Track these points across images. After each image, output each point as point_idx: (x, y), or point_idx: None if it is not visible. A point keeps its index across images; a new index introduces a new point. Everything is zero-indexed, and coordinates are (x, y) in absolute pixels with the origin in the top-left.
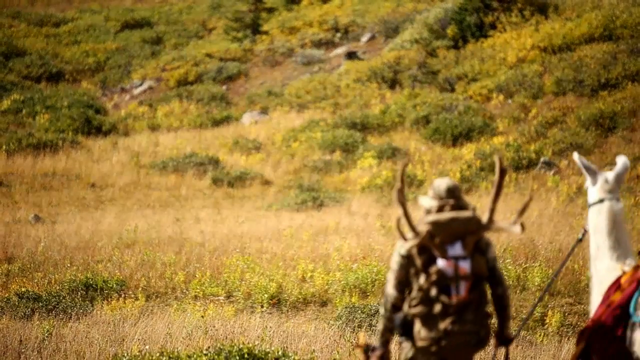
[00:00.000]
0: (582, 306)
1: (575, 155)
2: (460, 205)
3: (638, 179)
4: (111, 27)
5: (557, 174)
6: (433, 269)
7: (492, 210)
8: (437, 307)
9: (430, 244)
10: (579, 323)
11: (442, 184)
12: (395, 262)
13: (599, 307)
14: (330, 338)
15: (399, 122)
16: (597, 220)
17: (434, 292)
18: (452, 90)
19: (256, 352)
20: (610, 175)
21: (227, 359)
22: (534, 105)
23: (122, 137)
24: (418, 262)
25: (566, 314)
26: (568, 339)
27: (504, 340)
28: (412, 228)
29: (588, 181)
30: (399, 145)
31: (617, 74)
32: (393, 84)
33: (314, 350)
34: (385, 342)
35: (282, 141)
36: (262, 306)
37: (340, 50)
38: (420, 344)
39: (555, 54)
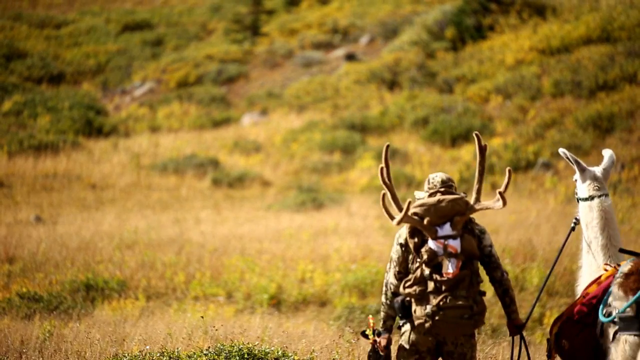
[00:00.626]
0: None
1: (561, 150)
2: (450, 192)
3: (635, 180)
4: (112, 29)
5: (555, 175)
6: (424, 249)
7: (479, 190)
8: (431, 285)
9: (420, 225)
10: None
11: (436, 176)
12: (394, 251)
13: (578, 299)
14: (329, 338)
15: (398, 123)
16: (588, 217)
17: (427, 271)
18: (451, 91)
19: (256, 352)
20: (598, 171)
21: (227, 359)
22: (532, 106)
23: (123, 139)
24: (411, 244)
25: None
26: None
27: (516, 327)
28: (397, 205)
29: (577, 175)
30: (398, 146)
31: (614, 76)
32: (392, 85)
33: (313, 350)
34: (389, 328)
35: (282, 142)
36: (262, 306)
37: (340, 52)
38: (416, 322)
39: (553, 55)
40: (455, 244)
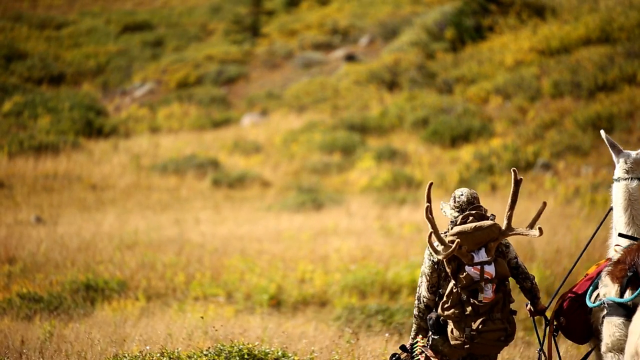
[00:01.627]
0: None
1: (603, 133)
2: (481, 215)
3: None
4: (112, 29)
5: (554, 175)
6: (462, 275)
7: (510, 217)
8: (469, 309)
9: (458, 254)
10: None
11: (462, 194)
12: (427, 266)
13: (580, 279)
14: (329, 339)
15: (397, 124)
16: (615, 196)
17: (464, 295)
18: (451, 92)
19: (256, 352)
20: (632, 154)
21: (227, 359)
22: (531, 107)
23: (123, 139)
24: (448, 269)
25: None
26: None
27: (538, 311)
28: (441, 241)
29: (614, 159)
30: (398, 146)
31: (614, 77)
32: (392, 86)
33: (313, 350)
34: (423, 342)
35: (282, 143)
36: (261, 307)
37: (340, 52)
38: (453, 342)
39: (552, 56)
40: (490, 270)
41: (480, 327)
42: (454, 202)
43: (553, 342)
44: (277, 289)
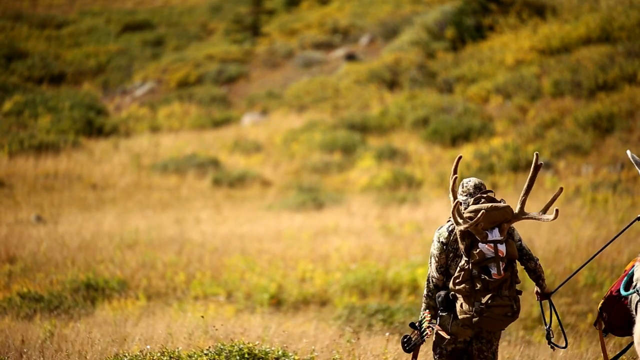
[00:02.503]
0: (580, 306)
1: (629, 152)
2: (492, 198)
3: (635, 180)
4: (112, 29)
5: (555, 175)
6: (475, 252)
7: (524, 202)
8: (479, 284)
9: (475, 230)
10: (577, 323)
11: (470, 181)
12: (435, 248)
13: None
14: (330, 338)
15: (398, 123)
16: None
17: (475, 271)
18: (451, 91)
19: (256, 352)
20: None
21: (227, 359)
22: (532, 106)
23: (123, 139)
24: (462, 245)
25: (564, 313)
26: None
27: (545, 294)
28: (461, 215)
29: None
30: (398, 146)
31: (614, 76)
32: (392, 85)
33: (314, 350)
34: (435, 317)
35: (282, 142)
36: (262, 306)
37: (340, 52)
38: (462, 316)
39: (553, 55)
40: (502, 248)
41: (489, 302)
42: (462, 187)
43: (602, 340)
44: (278, 289)
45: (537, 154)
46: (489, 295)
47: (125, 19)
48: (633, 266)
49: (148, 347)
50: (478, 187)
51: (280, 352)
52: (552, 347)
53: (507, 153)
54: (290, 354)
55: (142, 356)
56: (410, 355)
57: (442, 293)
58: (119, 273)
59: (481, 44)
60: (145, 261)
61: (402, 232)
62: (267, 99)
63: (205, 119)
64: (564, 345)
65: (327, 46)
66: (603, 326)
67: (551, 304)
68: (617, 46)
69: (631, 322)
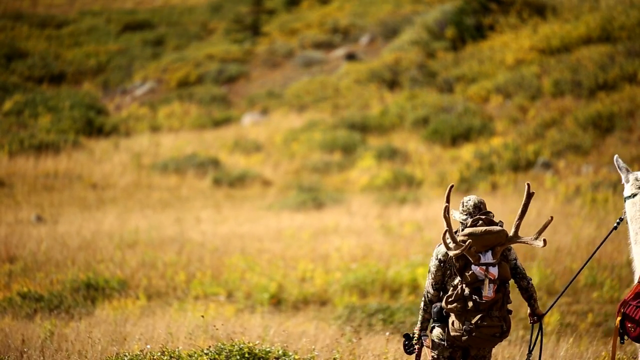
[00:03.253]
0: (580, 306)
1: (615, 157)
2: (490, 220)
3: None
4: (112, 28)
5: (555, 174)
6: (468, 273)
7: (518, 226)
8: (470, 304)
9: (467, 253)
10: (577, 322)
11: (469, 200)
12: (433, 265)
13: (637, 285)
14: (330, 337)
15: (398, 123)
16: (632, 211)
17: (467, 291)
18: (451, 91)
19: (257, 351)
20: (639, 174)
21: (227, 359)
22: (532, 106)
23: (124, 138)
24: (456, 266)
25: (564, 313)
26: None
27: (537, 316)
28: (454, 240)
29: (623, 179)
30: (398, 145)
31: (614, 76)
32: (392, 85)
33: (314, 349)
34: (425, 328)
35: (282, 142)
36: (262, 306)
37: (340, 51)
38: (453, 333)
39: (553, 55)
40: (494, 271)
41: (479, 322)
42: (462, 207)
43: (615, 346)
44: (278, 288)
45: (528, 184)
46: (479, 316)
47: (125, 18)
48: None
49: (148, 346)
50: (477, 207)
51: (280, 352)
52: None
53: (507, 153)
54: (290, 354)
55: (142, 356)
56: (412, 357)
57: (438, 305)
58: (119, 273)
59: (481, 43)
60: (146, 261)
61: (402, 231)
62: (267, 99)
63: (205, 119)
64: None
65: (327, 46)
66: (619, 338)
67: (540, 327)
68: (618, 46)
69: None
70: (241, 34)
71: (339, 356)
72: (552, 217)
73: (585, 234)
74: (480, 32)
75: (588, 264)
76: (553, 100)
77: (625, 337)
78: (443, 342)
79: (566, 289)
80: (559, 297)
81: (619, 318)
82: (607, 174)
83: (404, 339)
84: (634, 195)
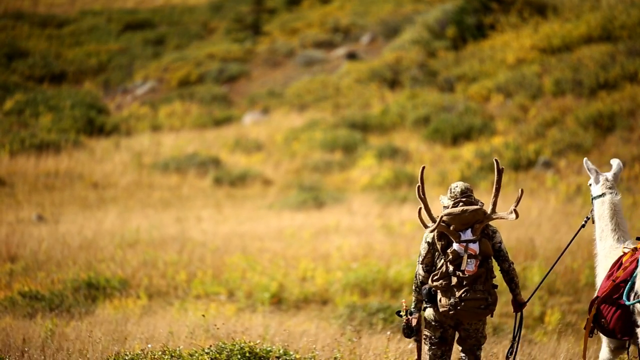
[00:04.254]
0: (581, 305)
1: (585, 160)
2: (470, 202)
3: (636, 179)
4: (113, 28)
5: (556, 173)
6: (449, 250)
7: (494, 204)
8: (454, 280)
9: (447, 231)
10: (578, 321)
11: (457, 186)
12: (423, 248)
13: (605, 281)
14: (331, 337)
15: (399, 122)
16: (601, 210)
17: (451, 268)
18: (452, 90)
19: (257, 350)
20: (609, 175)
21: (228, 358)
22: (533, 105)
23: (125, 138)
24: (438, 246)
25: (565, 312)
26: (567, 337)
27: (518, 304)
28: (431, 217)
29: (592, 179)
30: (399, 145)
31: (615, 75)
32: (393, 84)
33: (315, 348)
34: (419, 309)
35: (283, 141)
36: (263, 305)
37: (341, 51)
38: (441, 309)
39: (554, 54)
40: (474, 247)
41: (463, 295)
42: (450, 193)
43: (586, 341)
44: (279, 287)
45: (496, 160)
46: (463, 290)
47: (126, 18)
48: (632, 272)
49: (149, 346)
50: (464, 192)
51: (281, 351)
52: None
53: (508, 152)
54: (291, 353)
55: (143, 355)
56: (415, 350)
57: (427, 287)
58: (120, 272)
59: (482, 42)
60: (147, 260)
61: (403, 231)
62: (268, 98)
63: (206, 118)
64: None
65: (328, 45)
66: (595, 331)
67: (521, 316)
68: (618, 45)
69: (632, 324)
70: (242, 33)
71: (339, 355)
72: (522, 190)
73: (586, 233)
74: (481, 32)
75: (589, 263)
76: (554, 99)
77: (595, 332)
78: (434, 323)
79: (542, 282)
80: (537, 288)
81: (592, 313)
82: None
83: (403, 324)
84: (603, 194)
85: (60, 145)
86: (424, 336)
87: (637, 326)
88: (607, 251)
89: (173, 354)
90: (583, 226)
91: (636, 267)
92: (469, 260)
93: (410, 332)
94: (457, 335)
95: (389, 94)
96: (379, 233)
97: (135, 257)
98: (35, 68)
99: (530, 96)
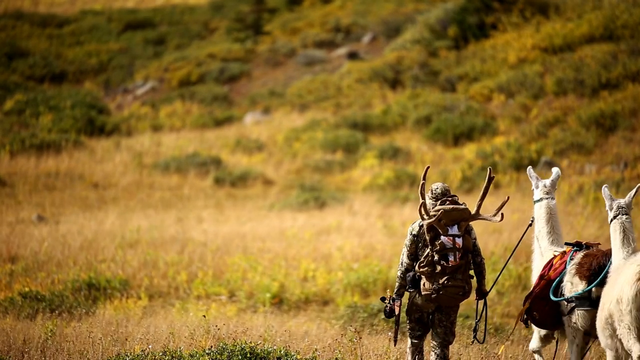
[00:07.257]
0: None
1: (528, 168)
2: (455, 202)
3: (638, 178)
4: (114, 27)
5: None
6: (437, 242)
7: (480, 205)
8: (438, 268)
9: (438, 225)
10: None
11: (437, 187)
12: (408, 240)
13: (538, 279)
14: (332, 337)
15: (400, 122)
16: (538, 213)
17: (436, 257)
18: (454, 90)
19: (258, 351)
20: (547, 181)
21: (229, 359)
22: (534, 105)
23: (125, 138)
24: (428, 236)
25: None
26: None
27: (482, 293)
28: (427, 213)
29: (533, 185)
30: (401, 145)
31: (617, 74)
32: (394, 84)
33: (316, 349)
34: (401, 294)
35: (284, 141)
36: (264, 305)
37: (342, 50)
38: (424, 293)
39: (556, 54)
40: (459, 241)
41: (445, 282)
42: (432, 193)
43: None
44: (280, 288)
45: (490, 168)
46: (445, 277)
47: (126, 17)
48: (560, 273)
49: (150, 346)
50: (444, 193)
51: (282, 352)
52: (473, 339)
53: (509, 152)
54: (292, 354)
55: (144, 356)
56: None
57: (411, 274)
58: (121, 272)
59: (484, 42)
60: (147, 260)
61: (405, 231)
62: (269, 98)
63: (207, 118)
64: (482, 340)
65: (329, 45)
66: (529, 322)
67: (485, 303)
68: (620, 44)
69: (560, 320)
70: (243, 33)
71: (340, 356)
72: (508, 197)
73: (588, 233)
74: (482, 31)
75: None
76: (556, 99)
77: (529, 322)
78: (414, 307)
79: (500, 274)
80: (497, 277)
81: (526, 306)
82: (610, 173)
83: (385, 307)
84: (540, 199)
85: (60, 145)
86: (407, 319)
87: (564, 315)
88: (542, 250)
89: (174, 355)
90: (530, 226)
91: (564, 268)
92: (453, 252)
93: (391, 314)
94: (431, 331)
95: (390, 93)
96: (380, 233)
97: (135, 258)
98: (35, 68)
99: (532, 96)
